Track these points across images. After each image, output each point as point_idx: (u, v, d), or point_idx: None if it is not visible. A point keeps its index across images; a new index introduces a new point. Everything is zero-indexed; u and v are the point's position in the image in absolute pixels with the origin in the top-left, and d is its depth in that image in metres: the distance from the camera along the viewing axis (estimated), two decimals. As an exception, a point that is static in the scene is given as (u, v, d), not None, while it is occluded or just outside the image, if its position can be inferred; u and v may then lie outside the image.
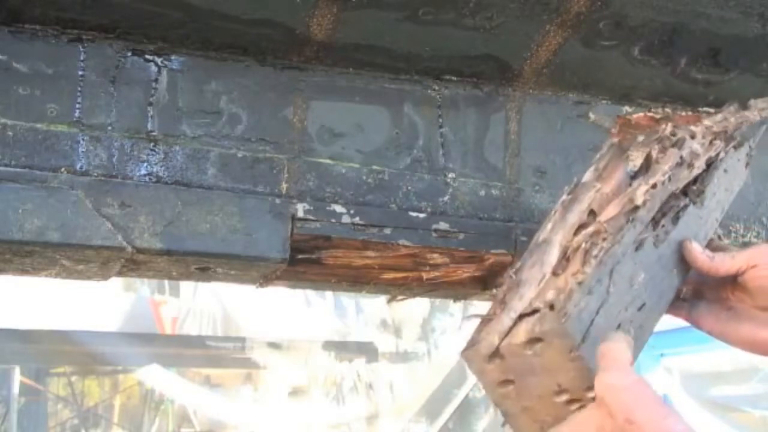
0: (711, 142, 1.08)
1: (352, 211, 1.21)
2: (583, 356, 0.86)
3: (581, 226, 0.94)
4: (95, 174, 1.12)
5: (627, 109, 1.37)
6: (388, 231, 1.22)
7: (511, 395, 0.90)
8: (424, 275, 1.28)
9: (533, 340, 0.86)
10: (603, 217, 0.95)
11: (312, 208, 1.19)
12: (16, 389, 9.56)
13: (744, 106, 1.17)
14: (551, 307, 0.87)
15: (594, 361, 0.86)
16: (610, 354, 0.85)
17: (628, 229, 0.94)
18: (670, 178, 1.01)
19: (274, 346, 9.08)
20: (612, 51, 1.26)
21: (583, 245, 0.92)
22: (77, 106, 1.13)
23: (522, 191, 1.30)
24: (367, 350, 9.56)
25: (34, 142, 1.11)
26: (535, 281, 0.90)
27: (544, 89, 1.33)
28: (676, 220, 1.00)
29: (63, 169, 1.11)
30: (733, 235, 1.38)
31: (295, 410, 9.41)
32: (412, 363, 9.51)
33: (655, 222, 0.98)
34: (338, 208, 1.20)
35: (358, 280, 1.31)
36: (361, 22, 1.18)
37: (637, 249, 0.95)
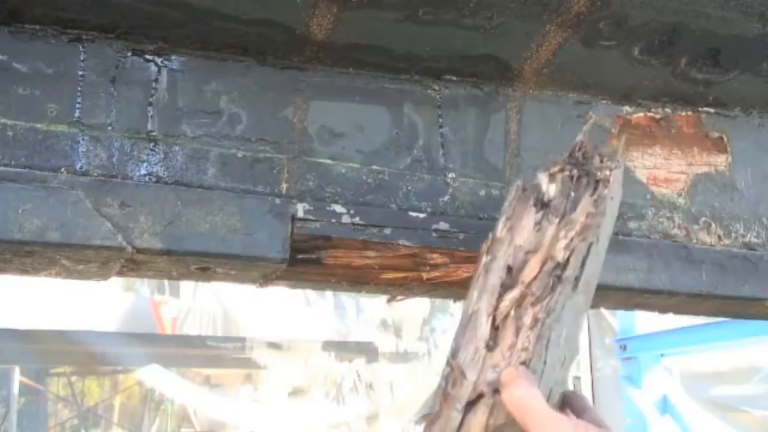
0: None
1: (352, 211, 1.20)
2: None
3: (503, 286, 0.89)
4: (95, 174, 1.12)
5: (627, 109, 1.37)
6: (388, 231, 1.22)
7: None
8: (424, 275, 1.28)
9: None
10: (525, 277, 0.89)
11: (312, 208, 1.19)
12: (16, 389, 9.56)
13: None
14: (496, 391, 0.84)
15: None
16: (528, 409, 0.83)
17: (559, 293, 0.88)
18: (587, 228, 0.91)
19: (274, 346, 9.08)
20: (612, 51, 1.26)
21: (512, 312, 0.88)
22: (77, 106, 1.13)
23: (522, 191, 1.30)
24: (367, 350, 9.55)
25: (34, 142, 1.11)
26: (473, 362, 0.87)
27: (544, 89, 1.33)
28: (583, 264, 0.91)
29: (63, 169, 1.11)
30: (733, 235, 1.38)
31: (295, 410, 9.41)
32: (412, 363, 9.50)
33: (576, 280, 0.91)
34: (338, 208, 1.20)
35: (358, 280, 1.31)
36: (361, 22, 1.18)
37: (563, 308, 0.90)
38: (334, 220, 1.19)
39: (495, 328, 0.88)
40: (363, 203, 1.23)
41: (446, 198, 1.27)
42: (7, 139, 1.09)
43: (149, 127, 1.16)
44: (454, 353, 0.89)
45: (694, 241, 1.36)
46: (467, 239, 1.24)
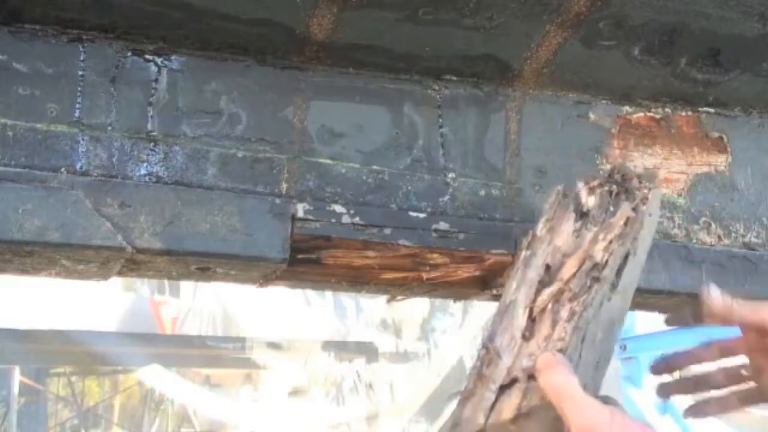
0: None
1: (352, 211, 1.20)
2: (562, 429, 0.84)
3: (541, 282, 0.91)
4: (95, 174, 1.12)
5: (627, 109, 1.37)
6: (388, 231, 1.22)
7: None
8: (424, 275, 1.28)
9: (520, 416, 0.84)
10: (563, 275, 0.91)
11: (312, 208, 1.19)
12: (16, 389, 9.57)
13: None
14: (531, 377, 0.85)
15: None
16: (566, 394, 0.83)
17: (597, 291, 0.90)
18: (625, 234, 0.95)
19: (274, 346, 9.08)
20: (612, 51, 1.26)
21: (549, 306, 0.89)
22: (77, 106, 1.13)
23: (522, 191, 1.30)
24: (367, 350, 9.56)
25: (34, 142, 1.11)
26: (509, 348, 0.88)
27: (544, 89, 1.33)
28: (620, 272, 0.94)
29: (63, 169, 1.11)
30: (733, 235, 1.38)
31: (295, 410, 9.41)
32: (412, 363, 9.51)
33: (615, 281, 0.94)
34: (338, 208, 1.20)
35: (358, 280, 1.31)
36: (361, 22, 1.18)
37: (600, 306, 0.92)
38: (334, 220, 1.19)
39: (531, 320, 0.89)
40: (363, 203, 1.23)
41: (446, 198, 1.27)
42: (7, 139, 1.09)
43: (149, 127, 1.16)
44: (490, 338, 0.91)
45: (694, 241, 1.36)
46: (467, 239, 1.24)
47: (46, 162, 1.10)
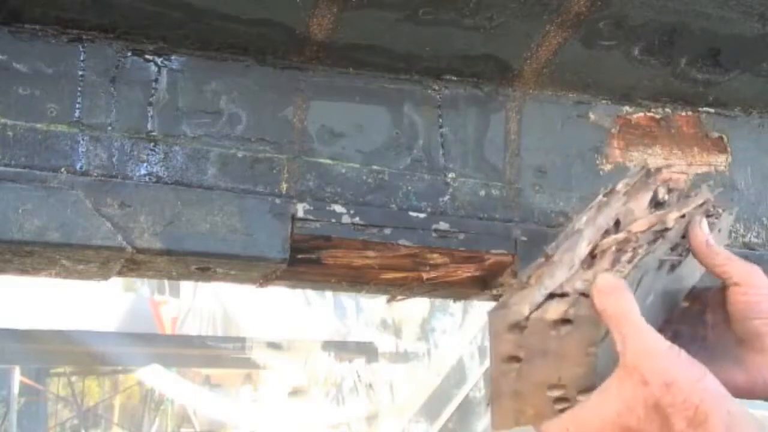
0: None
1: (352, 211, 1.20)
2: (598, 354, 0.85)
3: (607, 232, 0.94)
4: (95, 174, 1.12)
5: (627, 109, 1.37)
6: (388, 231, 1.22)
7: (511, 374, 0.89)
8: (424, 275, 1.28)
9: (563, 321, 0.85)
10: (633, 228, 0.94)
11: (312, 208, 1.19)
12: (16, 389, 9.57)
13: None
14: (583, 295, 0.86)
15: (605, 365, 0.85)
16: (627, 319, 0.82)
17: (660, 244, 0.93)
18: (698, 212, 1.00)
19: (274, 346, 9.09)
20: (612, 51, 1.26)
21: (613, 248, 0.91)
22: (77, 106, 1.13)
23: (522, 191, 1.30)
24: (367, 350, 9.56)
25: (34, 142, 1.11)
26: (566, 266, 0.90)
27: (544, 89, 1.33)
28: (682, 256, 0.98)
29: (63, 169, 1.11)
30: (733, 235, 1.38)
31: (295, 410, 9.41)
32: (412, 363, 9.51)
33: (672, 251, 0.97)
34: (338, 208, 1.20)
35: (358, 280, 1.31)
36: (361, 22, 1.18)
37: (657, 269, 0.93)
38: (334, 220, 1.19)
39: (592, 256, 0.91)
40: (363, 203, 1.23)
41: (446, 198, 1.27)
42: (7, 139, 1.09)
43: (149, 127, 1.16)
44: (554, 247, 0.93)
45: (694, 241, 1.36)
46: (467, 239, 1.24)
47: (46, 162, 1.10)
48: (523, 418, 0.91)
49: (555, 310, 0.86)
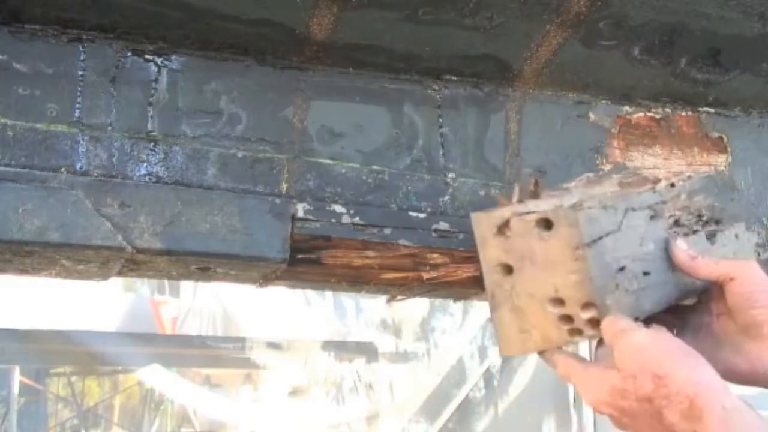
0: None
1: (352, 211, 1.20)
2: (587, 258, 0.87)
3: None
4: (95, 174, 1.12)
5: (627, 109, 1.37)
6: (388, 231, 1.22)
7: (506, 286, 0.92)
8: (424, 275, 1.28)
9: (545, 224, 0.89)
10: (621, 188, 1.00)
11: (312, 208, 1.19)
12: (16, 389, 9.56)
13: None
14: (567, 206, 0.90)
15: (600, 275, 0.87)
16: (617, 323, 0.85)
17: (647, 192, 0.96)
18: (687, 196, 1.03)
19: (274, 346, 9.08)
20: (612, 51, 1.26)
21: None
22: (77, 106, 1.13)
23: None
24: (367, 350, 9.55)
25: (34, 142, 1.11)
26: (551, 202, 0.94)
27: (544, 89, 1.33)
28: (708, 236, 1.01)
29: (63, 169, 1.11)
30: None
31: (295, 410, 9.41)
32: (412, 363, 9.50)
33: (690, 222, 1.01)
34: (338, 208, 1.20)
35: (358, 280, 1.31)
36: (361, 22, 1.18)
37: (651, 218, 0.96)
38: (334, 220, 1.19)
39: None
40: (363, 203, 1.23)
41: (446, 198, 1.27)
42: (7, 139, 1.09)
43: (149, 127, 1.16)
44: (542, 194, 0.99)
45: (694, 241, 1.36)
46: (467, 239, 1.24)
47: (46, 162, 1.10)
48: (530, 342, 0.92)
49: (535, 215, 0.90)
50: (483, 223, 0.93)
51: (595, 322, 0.89)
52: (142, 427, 11.66)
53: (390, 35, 1.21)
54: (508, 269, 0.92)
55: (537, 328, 0.91)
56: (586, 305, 0.88)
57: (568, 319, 0.90)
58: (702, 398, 0.78)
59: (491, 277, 0.94)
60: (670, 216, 0.99)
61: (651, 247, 0.95)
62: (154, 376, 9.30)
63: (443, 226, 1.24)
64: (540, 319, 0.91)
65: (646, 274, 0.95)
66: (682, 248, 0.97)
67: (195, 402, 9.89)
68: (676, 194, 1.01)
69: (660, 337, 0.84)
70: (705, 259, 0.96)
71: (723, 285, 0.95)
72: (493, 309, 0.94)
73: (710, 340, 0.96)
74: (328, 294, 9.73)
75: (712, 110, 1.40)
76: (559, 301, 0.89)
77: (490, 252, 0.93)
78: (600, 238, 0.89)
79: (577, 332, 0.90)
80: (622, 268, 0.91)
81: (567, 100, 1.35)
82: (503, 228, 0.92)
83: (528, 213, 0.91)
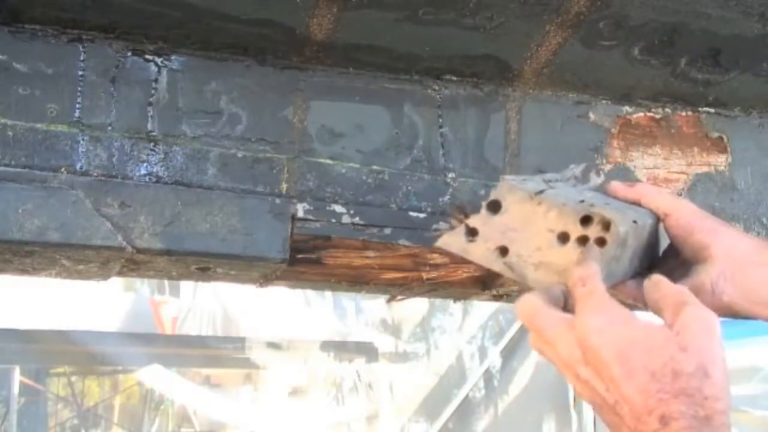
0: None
1: (352, 211, 1.21)
2: (546, 198, 0.96)
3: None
4: (95, 174, 1.12)
5: (627, 109, 1.37)
6: (388, 231, 1.22)
7: (514, 259, 0.98)
8: (424, 275, 1.28)
9: (494, 204, 0.99)
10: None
11: (312, 208, 1.19)
12: (16, 389, 9.56)
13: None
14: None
15: (564, 201, 0.96)
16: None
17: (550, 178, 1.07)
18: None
19: (273, 346, 9.07)
20: (612, 51, 1.26)
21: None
22: (77, 106, 1.13)
23: (522, 191, 1.30)
24: (367, 350, 9.55)
25: (34, 142, 1.11)
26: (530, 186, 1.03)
27: (544, 89, 1.33)
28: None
29: (63, 169, 1.11)
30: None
31: (295, 410, 9.41)
32: (412, 363, 9.50)
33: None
34: (338, 208, 1.20)
35: (358, 280, 1.31)
36: (361, 22, 1.18)
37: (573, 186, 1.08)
38: (334, 220, 1.19)
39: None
40: (363, 203, 1.23)
41: (446, 198, 1.27)
42: (7, 139, 1.09)
43: (149, 127, 1.16)
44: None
45: (694, 241, 1.36)
46: (467, 239, 1.24)
47: (46, 162, 1.11)
48: (555, 271, 0.97)
49: (485, 203, 1.01)
50: (454, 241, 1.04)
51: (605, 225, 0.94)
52: (142, 427, 11.66)
53: (390, 35, 1.21)
54: (505, 250, 0.99)
55: (549, 259, 0.97)
56: (581, 221, 0.95)
57: (565, 236, 0.96)
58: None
59: (493, 261, 1.01)
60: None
61: (589, 194, 1.02)
62: (154, 376, 9.30)
63: (443, 226, 1.24)
64: (557, 256, 0.95)
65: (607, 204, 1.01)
66: (617, 183, 1.06)
67: (195, 402, 9.89)
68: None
69: (613, 326, 0.84)
70: (637, 184, 1.05)
71: (663, 221, 1.02)
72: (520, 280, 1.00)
73: (685, 280, 1.00)
74: (328, 294, 9.72)
75: (712, 110, 1.40)
76: (563, 235, 0.95)
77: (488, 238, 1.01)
78: (541, 191, 0.98)
79: (577, 238, 0.95)
80: (581, 201, 0.98)
81: (567, 100, 1.35)
82: (473, 232, 1.02)
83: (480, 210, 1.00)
